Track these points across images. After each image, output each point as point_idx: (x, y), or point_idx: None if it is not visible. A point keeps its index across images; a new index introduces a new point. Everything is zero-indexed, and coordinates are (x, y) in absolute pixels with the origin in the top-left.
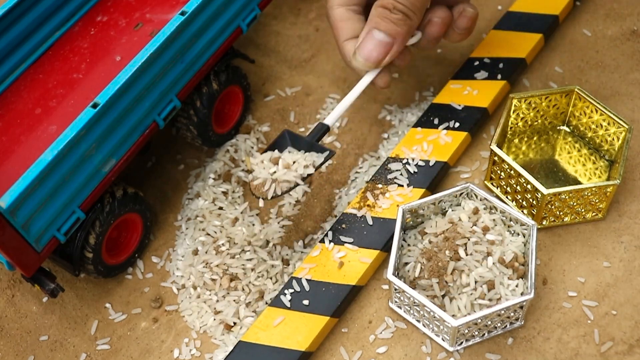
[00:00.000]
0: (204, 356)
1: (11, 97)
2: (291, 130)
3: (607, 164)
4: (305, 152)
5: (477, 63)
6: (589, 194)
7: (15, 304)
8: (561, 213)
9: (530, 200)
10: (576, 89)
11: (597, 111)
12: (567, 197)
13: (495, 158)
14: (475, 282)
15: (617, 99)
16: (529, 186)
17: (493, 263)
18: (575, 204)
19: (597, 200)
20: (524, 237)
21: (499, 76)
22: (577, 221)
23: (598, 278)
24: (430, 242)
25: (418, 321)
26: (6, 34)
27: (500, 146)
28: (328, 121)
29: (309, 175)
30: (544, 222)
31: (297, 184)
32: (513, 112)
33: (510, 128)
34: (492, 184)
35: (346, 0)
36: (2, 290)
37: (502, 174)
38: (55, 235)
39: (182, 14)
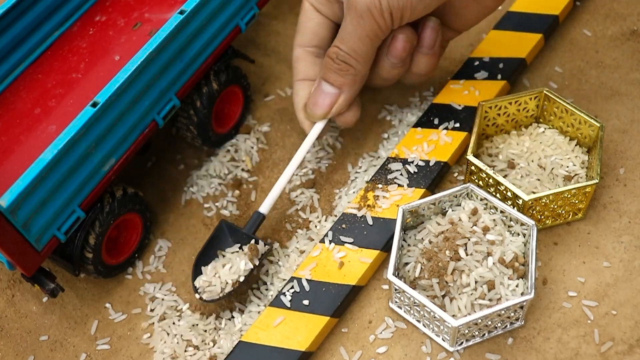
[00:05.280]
0: (204, 356)
1: (10, 97)
2: (227, 221)
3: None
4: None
5: (477, 63)
6: (569, 195)
7: (15, 304)
8: (542, 217)
9: (511, 206)
10: (545, 91)
11: (567, 111)
12: (547, 200)
13: (472, 168)
14: (476, 282)
15: (617, 99)
16: (508, 193)
17: (493, 263)
18: (555, 206)
19: (577, 201)
20: (524, 237)
21: (499, 76)
22: (558, 223)
23: (598, 278)
24: (430, 242)
25: (418, 321)
26: (5, 34)
27: (476, 155)
28: (263, 209)
29: (250, 272)
30: None
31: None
32: (484, 119)
33: (483, 134)
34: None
35: (305, 41)
36: (2, 290)
37: (481, 182)
38: (56, 234)
39: (181, 13)
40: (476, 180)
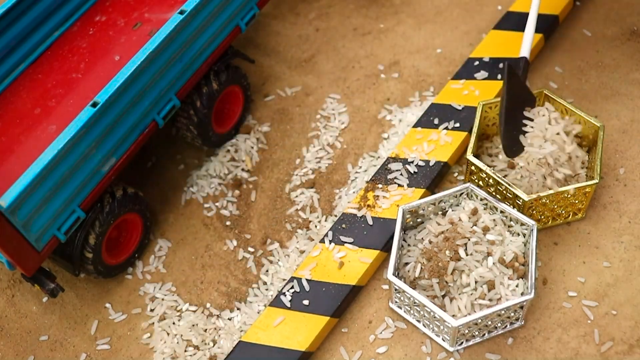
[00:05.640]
0: (204, 356)
1: (10, 97)
2: (511, 66)
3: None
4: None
5: (477, 63)
6: (569, 195)
7: (15, 304)
8: (542, 217)
9: (511, 206)
10: (544, 91)
11: (567, 111)
12: (547, 200)
13: (473, 168)
14: (476, 282)
15: (617, 99)
16: (508, 193)
17: (493, 263)
18: (556, 206)
19: (577, 201)
20: (524, 237)
21: (499, 76)
22: (558, 223)
23: (598, 278)
24: (430, 242)
25: (418, 321)
26: (5, 34)
27: (476, 155)
28: (525, 53)
29: None
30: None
31: None
32: (484, 119)
33: (483, 134)
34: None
35: None
36: (2, 290)
37: (481, 182)
38: (56, 234)
39: (181, 12)
40: (476, 180)
